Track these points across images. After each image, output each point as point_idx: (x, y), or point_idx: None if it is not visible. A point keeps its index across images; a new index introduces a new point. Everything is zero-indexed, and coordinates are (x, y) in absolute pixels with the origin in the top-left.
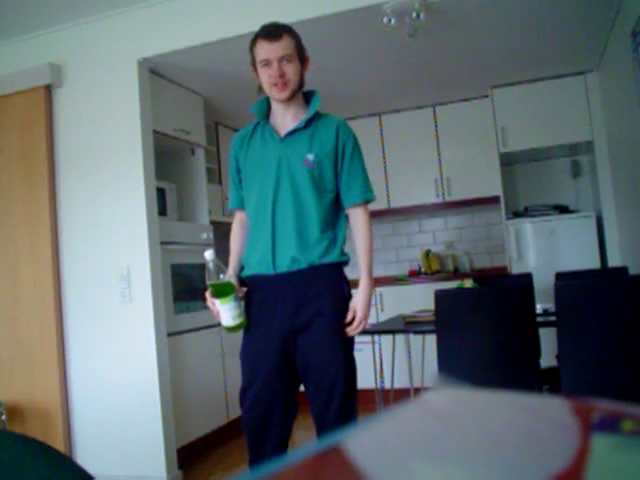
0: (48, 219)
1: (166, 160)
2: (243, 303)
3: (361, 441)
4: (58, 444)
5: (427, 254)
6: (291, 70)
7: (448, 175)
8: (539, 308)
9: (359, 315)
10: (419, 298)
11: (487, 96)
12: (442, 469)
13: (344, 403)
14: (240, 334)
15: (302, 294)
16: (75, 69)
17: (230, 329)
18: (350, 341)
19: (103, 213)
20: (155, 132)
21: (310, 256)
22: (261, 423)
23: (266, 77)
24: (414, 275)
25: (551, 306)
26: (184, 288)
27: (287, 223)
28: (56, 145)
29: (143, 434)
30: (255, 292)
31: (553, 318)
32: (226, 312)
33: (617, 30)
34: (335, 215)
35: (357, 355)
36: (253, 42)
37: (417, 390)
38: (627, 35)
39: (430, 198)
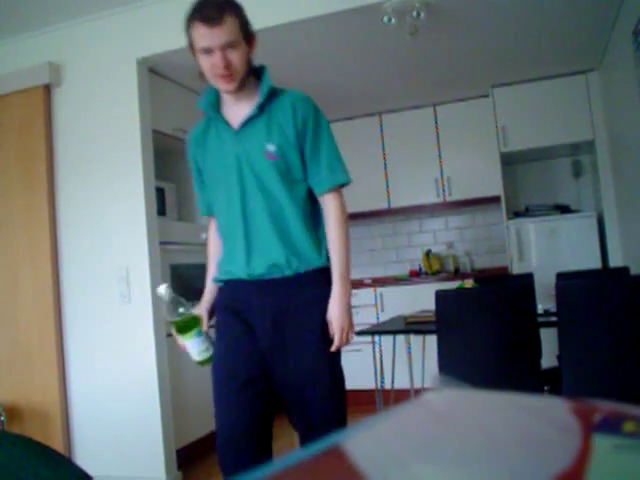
0: (47, 219)
1: (165, 160)
2: (210, 335)
3: (361, 442)
4: (57, 445)
5: (428, 254)
6: (237, 58)
7: (448, 175)
8: (540, 308)
9: (335, 328)
10: (420, 298)
11: (488, 95)
12: (442, 470)
13: (331, 423)
14: None
15: (283, 305)
16: (74, 68)
17: (199, 363)
18: (336, 353)
19: (102, 213)
20: (154, 131)
21: (299, 261)
22: (238, 435)
23: (208, 66)
24: (415, 275)
25: (552, 306)
26: (184, 288)
27: (263, 227)
28: (55, 145)
29: (142, 435)
30: (227, 298)
31: (554, 318)
32: (191, 347)
33: (618, 29)
34: (314, 209)
35: (357, 355)
36: (188, 22)
37: (417, 391)
38: (629, 34)
39: (430, 198)
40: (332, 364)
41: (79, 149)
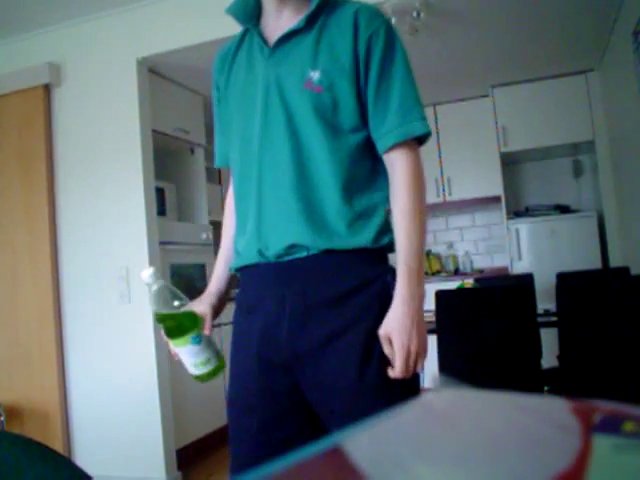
0: (46, 219)
1: (165, 160)
2: (214, 341)
3: (361, 442)
4: (57, 445)
5: (427, 254)
6: None
7: (449, 175)
8: (540, 308)
9: (396, 347)
10: None
11: (488, 95)
12: (443, 470)
13: None
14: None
15: (313, 298)
16: (74, 68)
17: (196, 378)
18: (401, 381)
19: (102, 213)
20: (154, 131)
21: (322, 238)
22: None
23: None
24: None
25: (552, 306)
26: (183, 288)
27: (283, 189)
28: (55, 145)
29: (142, 435)
30: (245, 292)
31: (554, 318)
32: (183, 357)
33: (618, 29)
34: (369, 170)
35: None
36: None
37: None
38: (628, 34)
39: (431, 198)
40: (391, 393)
41: (79, 149)
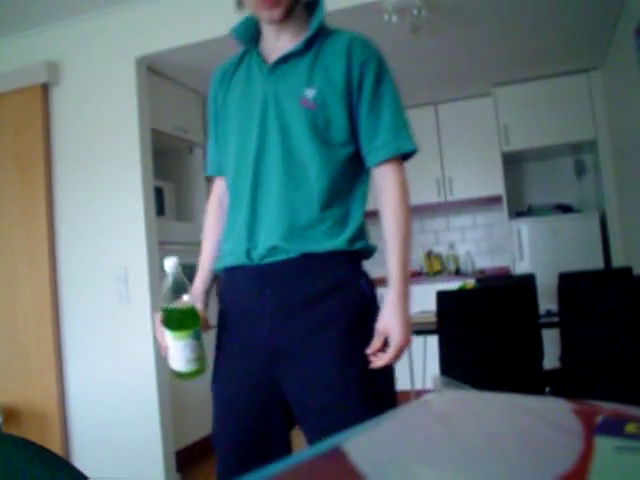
0: (45, 219)
1: (164, 159)
2: (203, 342)
3: (362, 443)
4: (55, 446)
5: (429, 254)
6: None
7: (450, 174)
8: (542, 309)
9: (396, 341)
10: (420, 299)
11: (489, 94)
12: (444, 472)
13: None
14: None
15: (291, 297)
16: (72, 67)
17: (180, 376)
18: (376, 371)
19: (100, 213)
20: (153, 130)
21: (301, 242)
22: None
23: None
24: (415, 276)
25: (554, 307)
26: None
27: (272, 194)
28: (53, 144)
29: (141, 436)
30: (229, 292)
31: (556, 319)
32: (179, 352)
33: (621, 27)
34: (350, 181)
35: None
36: None
37: (419, 392)
38: (631, 32)
39: (432, 198)
40: (367, 378)
41: (77, 148)
